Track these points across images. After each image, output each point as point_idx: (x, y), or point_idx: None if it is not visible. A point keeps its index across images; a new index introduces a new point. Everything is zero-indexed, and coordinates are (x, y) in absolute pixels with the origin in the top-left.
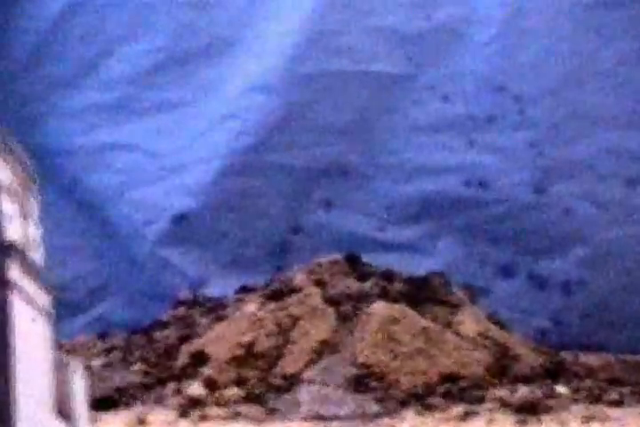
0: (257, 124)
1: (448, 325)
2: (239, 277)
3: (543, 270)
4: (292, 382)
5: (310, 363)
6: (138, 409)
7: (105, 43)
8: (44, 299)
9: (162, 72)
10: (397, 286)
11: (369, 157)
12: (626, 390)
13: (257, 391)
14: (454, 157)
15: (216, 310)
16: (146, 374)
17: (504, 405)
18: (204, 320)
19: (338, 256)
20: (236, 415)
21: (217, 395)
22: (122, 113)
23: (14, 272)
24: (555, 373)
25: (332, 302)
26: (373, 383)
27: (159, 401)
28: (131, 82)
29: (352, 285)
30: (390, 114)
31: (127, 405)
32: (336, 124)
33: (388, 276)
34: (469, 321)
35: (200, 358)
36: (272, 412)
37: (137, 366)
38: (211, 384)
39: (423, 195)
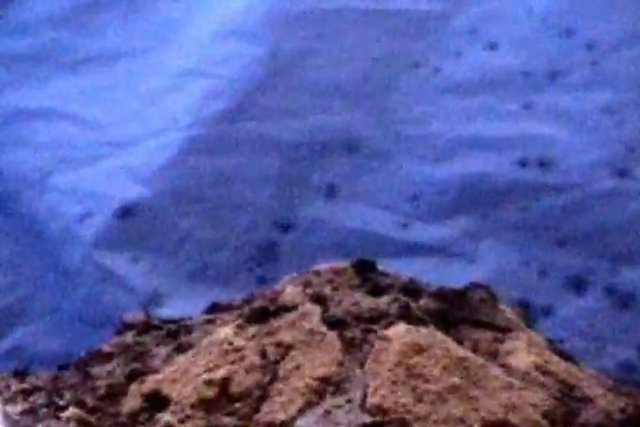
0: (232, 83)
1: (494, 355)
2: (208, 292)
3: (626, 282)
4: None
5: (306, 407)
6: None
7: None
8: None
9: (100, 10)
10: (424, 302)
11: (386, 127)
12: None
13: None
14: (505, 127)
15: (177, 336)
16: (81, 423)
17: None
18: (160, 350)
19: (343, 263)
20: None
21: None
22: (44, 67)
23: None
24: None
25: (335, 324)
26: None
27: None
28: (56, 24)
29: (363, 301)
30: (416, 68)
31: None
32: (341, 82)
33: (412, 289)
34: (523, 350)
35: (156, 401)
36: None
37: (69, 413)
38: None
39: (461, 179)
